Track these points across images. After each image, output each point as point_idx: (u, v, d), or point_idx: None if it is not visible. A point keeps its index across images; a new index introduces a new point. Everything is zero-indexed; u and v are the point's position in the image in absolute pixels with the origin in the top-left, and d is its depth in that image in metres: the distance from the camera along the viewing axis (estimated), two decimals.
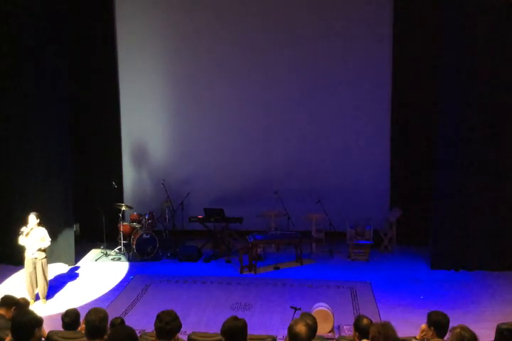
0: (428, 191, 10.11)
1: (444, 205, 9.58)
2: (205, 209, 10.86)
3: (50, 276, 8.92)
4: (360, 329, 4.59)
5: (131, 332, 3.83)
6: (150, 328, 4.72)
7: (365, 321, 4.62)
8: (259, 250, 10.22)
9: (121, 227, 10.75)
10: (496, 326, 5.25)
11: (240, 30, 11.29)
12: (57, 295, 8.81)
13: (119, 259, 10.60)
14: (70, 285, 9.27)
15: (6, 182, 10.01)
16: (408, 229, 11.05)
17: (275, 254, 10.62)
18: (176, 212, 11.08)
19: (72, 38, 10.51)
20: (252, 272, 9.80)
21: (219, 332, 4.23)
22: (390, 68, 10.93)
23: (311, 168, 11.40)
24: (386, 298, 8.59)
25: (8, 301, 5.45)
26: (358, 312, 7.98)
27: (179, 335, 4.02)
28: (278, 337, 5.73)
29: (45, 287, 8.39)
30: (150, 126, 11.75)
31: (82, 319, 4.82)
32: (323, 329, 6.80)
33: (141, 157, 11.86)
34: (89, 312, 4.25)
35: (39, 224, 8.27)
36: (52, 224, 9.23)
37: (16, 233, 8.34)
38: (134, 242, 10.41)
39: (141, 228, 10.67)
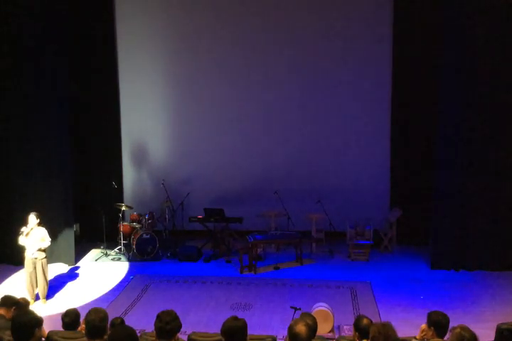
0: (428, 191, 10.11)
1: (444, 205, 9.58)
2: (205, 209, 10.86)
3: (50, 276, 8.92)
4: (360, 329, 4.59)
5: (131, 332, 3.83)
6: (150, 328, 4.72)
7: (365, 321, 4.62)
8: (259, 250, 10.22)
9: (121, 227, 10.75)
10: (496, 326, 5.24)
11: (240, 30, 11.29)
12: (57, 295, 8.81)
13: (119, 259, 10.60)
14: (70, 285, 9.27)
15: (6, 182, 10.01)
16: (408, 229, 11.05)
17: (275, 254, 10.62)
18: (176, 212, 11.08)
19: (72, 38, 10.52)
20: (252, 272, 9.80)
21: (219, 332, 4.22)
22: (390, 68, 10.92)
23: (311, 168, 11.39)
24: (386, 298, 8.59)
25: (8, 301, 5.45)
26: (358, 312, 7.98)
27: (179, 335, 4.02)
28: (278, 337, 5.72)
29: (45, 287, 8.39)
30: (150, 126, 11.75)
31: (82, 319, 4.82)
32: (323, 329, 6.80)
33: (141, 157, 11.86)
34: (89, 312, 4.25)
35: (39, 224, 8.27)
36: (52, 224, 9.23)
37: (16, 233, 8.35)
38: (134, 242, 10.41)
39: (141, 228, 10.67)
